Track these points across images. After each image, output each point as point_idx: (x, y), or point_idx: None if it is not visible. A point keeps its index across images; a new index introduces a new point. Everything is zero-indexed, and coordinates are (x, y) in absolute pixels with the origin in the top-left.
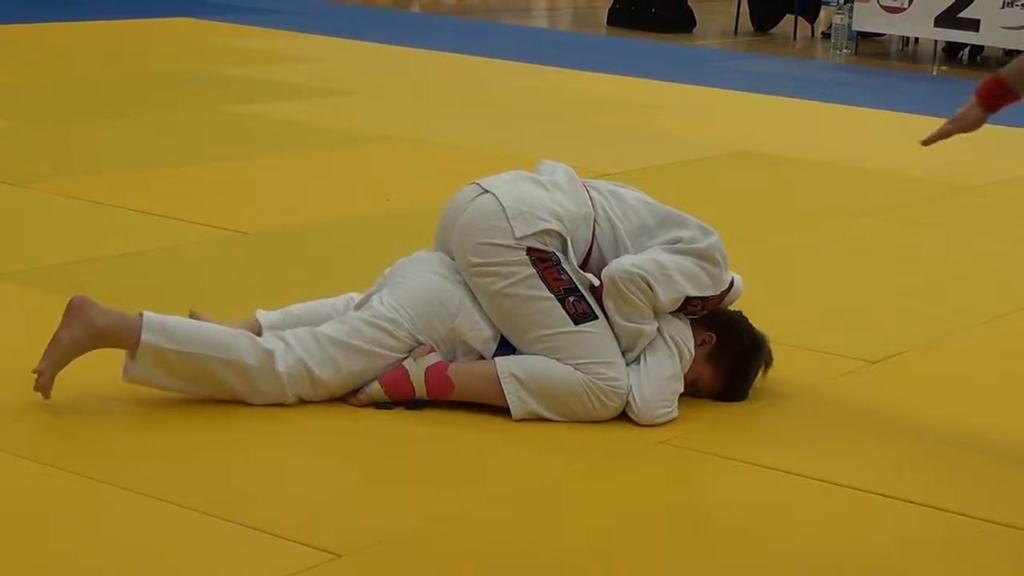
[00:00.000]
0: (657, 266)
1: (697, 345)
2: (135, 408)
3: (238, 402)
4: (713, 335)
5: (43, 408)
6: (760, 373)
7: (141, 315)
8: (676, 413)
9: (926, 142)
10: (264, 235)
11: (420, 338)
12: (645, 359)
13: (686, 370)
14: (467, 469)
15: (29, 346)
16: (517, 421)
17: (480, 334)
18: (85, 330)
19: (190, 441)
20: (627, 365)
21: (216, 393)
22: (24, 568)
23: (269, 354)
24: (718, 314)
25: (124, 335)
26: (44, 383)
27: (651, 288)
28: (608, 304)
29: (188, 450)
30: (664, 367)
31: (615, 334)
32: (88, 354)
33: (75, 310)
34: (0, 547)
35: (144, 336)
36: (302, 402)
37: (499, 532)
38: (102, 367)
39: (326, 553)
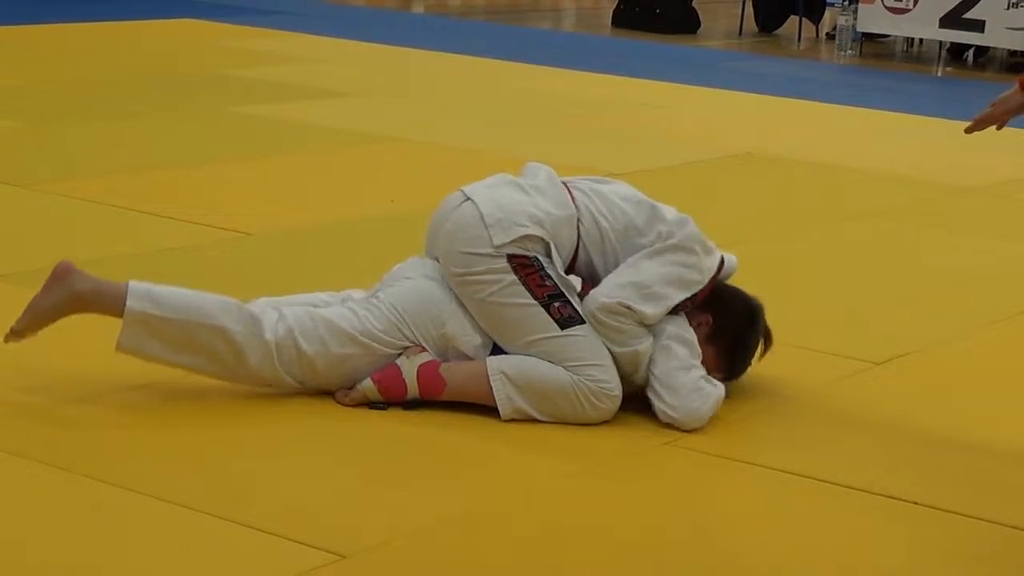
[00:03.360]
0: (635, 288)
1: (696, 328)
2: (135, 407)
3: (237, 400)
4: (709, 316)
5: (43, 407)
6: (760, 347)
7: (127, 283)
8: (718, 393)
9: (970, 129)
10: (268, 236)
11: (412, 339)
12: (652, 372)
13: (698, 352)
14: (471, 470)
15: (30, 347)
16: (506, 421)
17: (471, 340)
18: (66, 295)
19: (191, 440)
20: (642, 387)
21: (209, 365)
22: (22, 568)
23: (256, 321)
24: (711, 294)
25: (109, 302)
26: (14, 339)
27: (632, 310)
28: (600, 335)
29: (189, 449)
30: (670, 364)
31: (616, 361)
32: (86, 353)
33: (58, 275)
34: None
35: (129, 303)
36: (294, 391)
37: (504, 533)
38: (101, 366)
39: (331, 554)
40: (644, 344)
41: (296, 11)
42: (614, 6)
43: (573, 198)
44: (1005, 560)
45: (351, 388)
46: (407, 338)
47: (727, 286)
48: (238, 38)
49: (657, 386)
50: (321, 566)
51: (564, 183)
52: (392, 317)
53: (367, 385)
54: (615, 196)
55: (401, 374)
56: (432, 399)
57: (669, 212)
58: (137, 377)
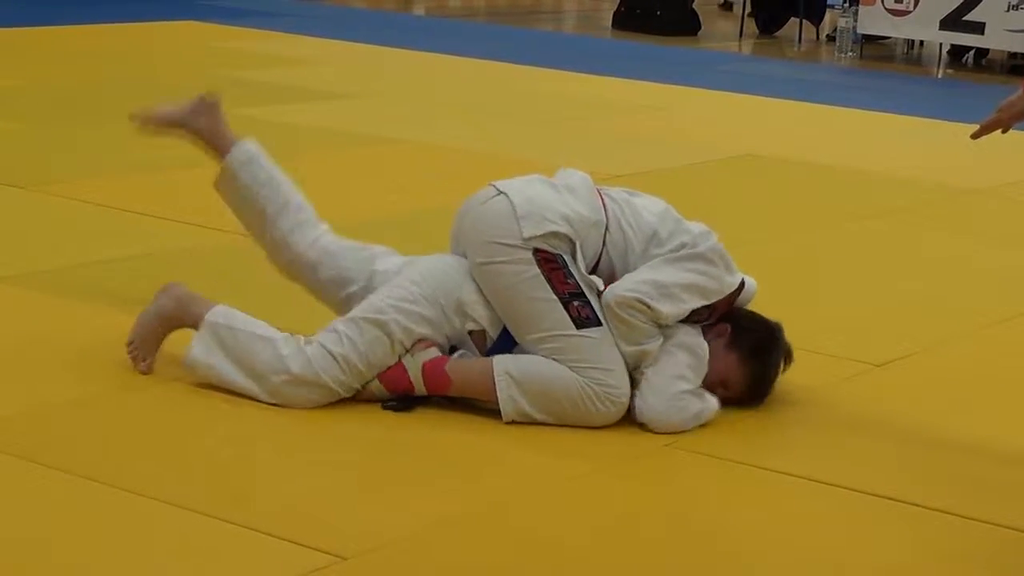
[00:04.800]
0: (654, 286)
1: (716, 338)
2: (136, 409)
3: (237, 403)
4: (727, 325)
5: (43, 410)
6: (782, 364)
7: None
8: (702, 408)
9: (977, 134)
10: None
11: (432, 303)
12: (645, 370)
13: (704, 367)
14: (472, 471)
15: (31, 349)
16: (508, 423)
17: (485, 309)
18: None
19: (191, 442)
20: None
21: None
22: (23, 570)
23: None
24: (728, 311)
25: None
26: (136, 356)
27: (649, 307)
28: (612, 330)
29: (189, 451)
30: (664, 370)
31: (622, 356)
32: (85, 356)
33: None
34: None
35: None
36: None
37: (504, 534)
38: (100, 368)
39: (331, 556)
40: (653, 345)
41: (296, 13)
42: (614, 8)
43: (604, 205)
44: (1005, 561)
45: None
46: (428, 305)
47: (746, 310)
48: (239, 40)
49: (644, 384)
50: (321, 567)
51: (598, 190)
52: (415, 288)
53: (375, 386)
54: (644, 210)
55: (407, 372)
56: (440, 395)
57: (695, 226)
58: (136, 380)
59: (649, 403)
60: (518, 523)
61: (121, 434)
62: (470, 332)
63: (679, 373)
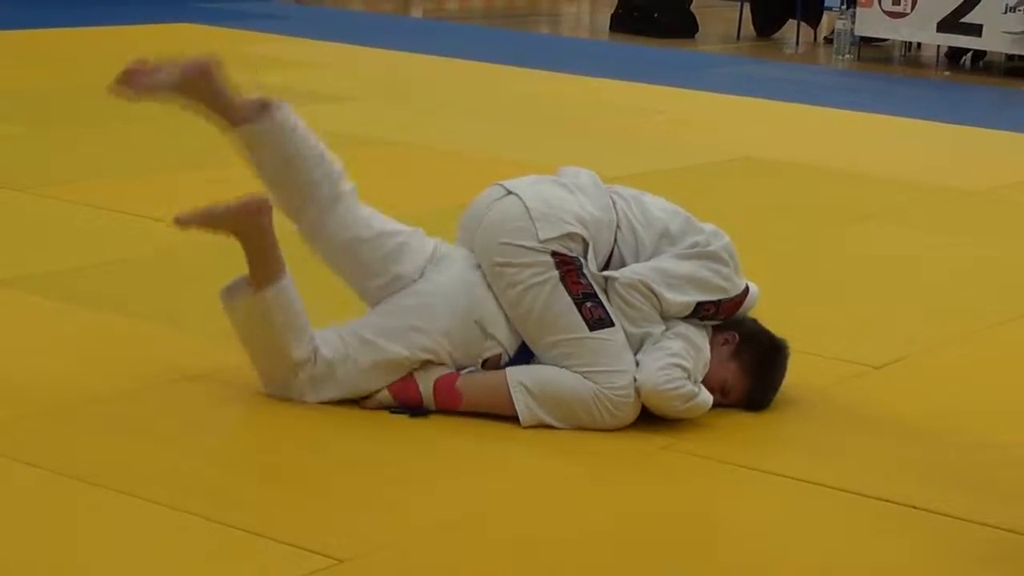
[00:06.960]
0: (659, 273)
1: (720, 345)
2: (134, 412)
3: (234, 405)
4: (735, 334)
5: (43, 414)
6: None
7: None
8: (689, 389)
9: None
10: None
11: (447, 330)
12: (644, 348)
13: (703, 359)
14: (469, 473)
15: (31, 351)
16: (525, 428)
17: (507, 328)
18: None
19: (188, 445)
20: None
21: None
22: (22, 571)
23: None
24: (736, 319)
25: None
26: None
27: (653, 292)
28: (616, 312)
29: (186, 454)
30: (662, 346)
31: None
32: (86, 358)
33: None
34: (0, 551)
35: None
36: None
37: (501, 537)
38: (102, 368)
39: (328, 558)
40: (657, 329)
41: (294, 15)
42: (612, 10)
43: (614, 203)
44: (1004, 564)
45: (368, 397)
46: (441, 335)
47: (753, 321)
48: (237, 42)
49: (642, 356)
50: (319, 570)
51: (607, 189)
52: (427, 316)
53: (383, 396)
54: (654, 207)
55: (418, 387)
56: (450, 410)
57: (707, 226)
58: (134, 382)
59: (641, 372)
60: (514, 525)
61: (119, 437)
62: (484, 361)
63: (675, 351)
